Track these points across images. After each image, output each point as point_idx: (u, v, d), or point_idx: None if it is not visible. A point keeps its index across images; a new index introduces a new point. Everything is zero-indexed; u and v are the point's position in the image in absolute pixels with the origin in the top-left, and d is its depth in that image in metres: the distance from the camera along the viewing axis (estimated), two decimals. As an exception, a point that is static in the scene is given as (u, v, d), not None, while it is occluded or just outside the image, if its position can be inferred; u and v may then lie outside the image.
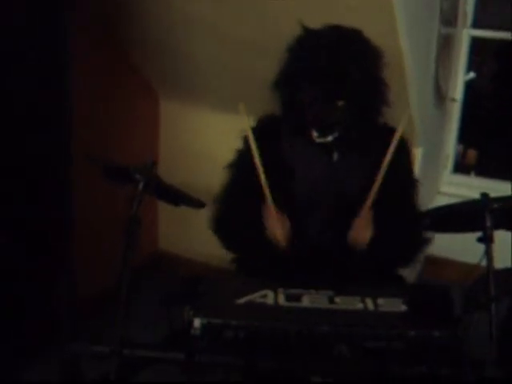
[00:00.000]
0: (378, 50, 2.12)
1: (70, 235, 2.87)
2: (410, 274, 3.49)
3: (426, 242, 2.19)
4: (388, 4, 2.52)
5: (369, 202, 2.05)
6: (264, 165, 2.16)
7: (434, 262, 3.93)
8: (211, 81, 3.44)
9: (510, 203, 1.99)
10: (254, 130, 2.26)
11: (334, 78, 2.03)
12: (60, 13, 2.52)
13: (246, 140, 2.25)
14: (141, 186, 2.01)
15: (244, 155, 2.24)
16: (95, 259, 3.18)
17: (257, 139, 2.23)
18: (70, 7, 2.43)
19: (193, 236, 3.82)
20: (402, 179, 2.20)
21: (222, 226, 2.26)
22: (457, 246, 3.09)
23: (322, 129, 2.08)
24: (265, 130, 2.27)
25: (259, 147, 2.20)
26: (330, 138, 2.09)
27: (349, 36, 2.10)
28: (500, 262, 2.10)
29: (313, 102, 2.08)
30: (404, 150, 2.23)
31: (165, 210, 3.85)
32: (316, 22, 2.24)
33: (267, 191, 2.09)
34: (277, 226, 2.09)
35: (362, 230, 2.07)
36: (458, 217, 2.02)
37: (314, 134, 2.09)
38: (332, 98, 2.06)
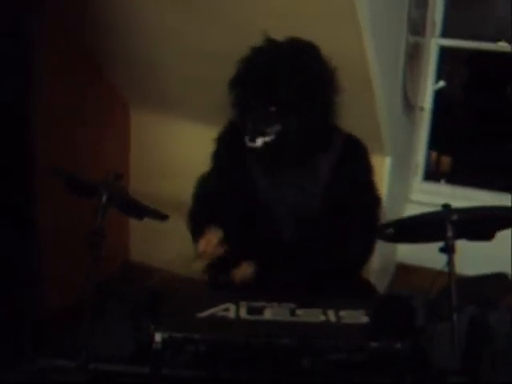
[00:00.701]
0: (327, 66, 2.16)
1: (35, 247, 2.85)
2: (381, 281, 3.52)
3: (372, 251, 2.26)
4: (353, 14, 2.53)
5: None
6: (230, 171, 2.26)
7: (406, 269, 3.95)
8: (181, 91, 3.44)
9: (471, 214, 2.00)
10: (219, 138, 2.34)
11: (264, 83, 2.09)
12: (28, 26, 2.51)
13: (217, 141, 2.33)
14: (104, 199, 2.00)
15: (216, 157, 2.33)
16: (64, 271, 3.15)
17: (222, 146, 2.32)
18: (38, 21, 2.41)
19: (164, 245, 3.81)
20: (355, 185, 2.24)
21: (190, 219, 2.31)
22: (427, 253, 3.10)
23: (252, 133, 2.11)
24: (229, 137, 2.32)
25: (225, 154, 2.29)
26: (258, 143, 2.11)
27: (298, 48, 2.16)
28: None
29: (245, 107, 2.15)
30: (359, 156, 2.29)
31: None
32: (281, 34, 2.26)
33: None
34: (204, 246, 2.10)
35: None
36: (421, 228, 2.03)
37: (246, 138, 2.13)
38: (261, 103, 2.11)
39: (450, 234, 1.91)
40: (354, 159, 2.27)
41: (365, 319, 1.85)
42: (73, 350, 1.84)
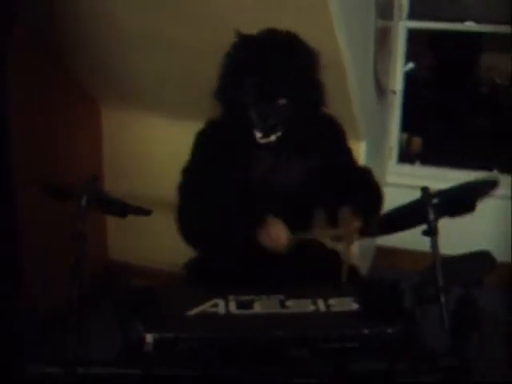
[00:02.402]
0: (313, 50, 2.15)
1: (17, 251, 2.80)
2: (362, 264, 3.53)
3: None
4: (324, 2, 2.52)
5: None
6: (223, 167, 2.19)
7: (386, 252, 3.98)
8: (153, 87, 3.40)
9: (451, 194, 1.99)
10: (201, 135, 2.29)
11: (271, 77, 2.06)
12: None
13: (201, 139, 2.27)
14: (83, 201, 1.97)
15: (204, 145, 2.26)
16: (50, 274, 3.12)
17: (204, 143, 2.26)
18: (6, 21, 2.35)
19: (143, 242, 3.78)
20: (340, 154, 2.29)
21: (186, 220, 2.20)
22: (405, 235, 3.12)
23: (265, 129, 2.09)
24: (212, 134, 2.29)
25: (209, 151, 2.23)
26: (273, 138, 2.11)
27: (283, 38, 2.14)
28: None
29: (254, 103, 2.10)
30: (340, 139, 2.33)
31: (112, 218, 3.80)
32: (252, 27, 2.24)
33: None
34: (279, 235, 2.06)
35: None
36: (404, 216, 2.03)
37: (258, 134, 2.11)
38: (272, 96, 2.09)
39: (431, 217, 1.91)
40: (335, 142, 2.29)
41: (354, 306, 1.85)
42: (61, 354, 1.81)
